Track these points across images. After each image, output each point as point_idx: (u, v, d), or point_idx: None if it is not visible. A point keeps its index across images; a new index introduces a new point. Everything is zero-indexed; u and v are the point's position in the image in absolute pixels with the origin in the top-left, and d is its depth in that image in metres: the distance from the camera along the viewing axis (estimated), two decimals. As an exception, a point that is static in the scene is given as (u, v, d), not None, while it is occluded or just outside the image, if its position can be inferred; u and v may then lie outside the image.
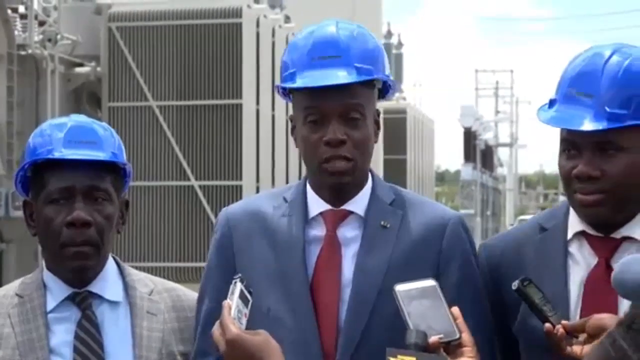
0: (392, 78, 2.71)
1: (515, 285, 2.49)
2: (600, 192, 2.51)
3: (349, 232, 2.61)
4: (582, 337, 2.44)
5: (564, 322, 2.46)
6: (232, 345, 2.21)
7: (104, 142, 2.62)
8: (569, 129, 2.52)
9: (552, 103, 2.58)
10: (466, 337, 2.31)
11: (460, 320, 2.33)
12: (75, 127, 2.62)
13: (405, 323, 2.28)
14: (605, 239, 2.57)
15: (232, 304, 2.31)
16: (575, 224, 2.61)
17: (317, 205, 2.63)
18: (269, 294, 2.57)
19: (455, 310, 2.34)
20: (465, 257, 2.63)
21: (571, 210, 2.62)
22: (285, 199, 2.67)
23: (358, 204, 2.63)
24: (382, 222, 2.61)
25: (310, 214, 2.63)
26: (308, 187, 2.66)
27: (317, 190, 2.64)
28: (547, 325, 2.46)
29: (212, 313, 2.53)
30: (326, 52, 2.58)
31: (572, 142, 2.54)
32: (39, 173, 2.61)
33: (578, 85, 2.53)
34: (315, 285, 2.57)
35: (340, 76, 2.55)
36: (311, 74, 2.56)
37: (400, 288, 2.33)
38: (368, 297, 2.54)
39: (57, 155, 2.57)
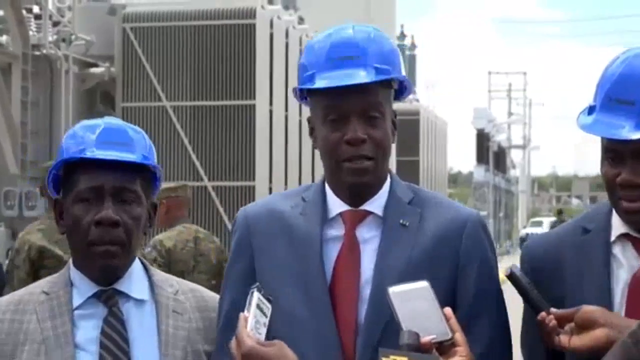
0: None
1: (508, 271, 2.49)
2: None
3: (367, 232, 2.61)
4: (569, 327, 2.43)
5: (553, 310, 2.45)
6: (248, 358, 2.28)
7: (136, 144, 2.65)
8: (609, 138, 2.49)
9: (591, 109, 2.54)
10: (459, 336, 2.33)
11: (453, 320, 2.34)
12: (108, 128, 2.65)
13: (398, 324, 2.30)
14: None
15: (249, 315, 2.32)
16: (618, 226, 2.58)
17: (336, 205, 2.63)
18: (288, 293, 2.57)
19: (448, 310, 2.35)
20: (484, 257, 2.62)
21: (614, 212, 2.59)
22: (303, 199, 2.67)
23: (376, 203, 2.63)
24: (401, 221, 2.60)
25: (329, 214, 2.63)
26: (327, 187, 2.66)
27: (336, 191, 2.64)
28: (542, 314, 2.45)
29: (232, 312, 2.54)
30: (344, 53, 2.58)
31: (614, 150, 2.50)
32: (70, 172, 2.64)
33: (617, 92, 2.48)
34: (334, 285, 2.56)
35: (361, 75, 2.55)
36: (330, 75, 2.56)
37: (394, 290, 2.35)
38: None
39: (89, 154, 2.59)
